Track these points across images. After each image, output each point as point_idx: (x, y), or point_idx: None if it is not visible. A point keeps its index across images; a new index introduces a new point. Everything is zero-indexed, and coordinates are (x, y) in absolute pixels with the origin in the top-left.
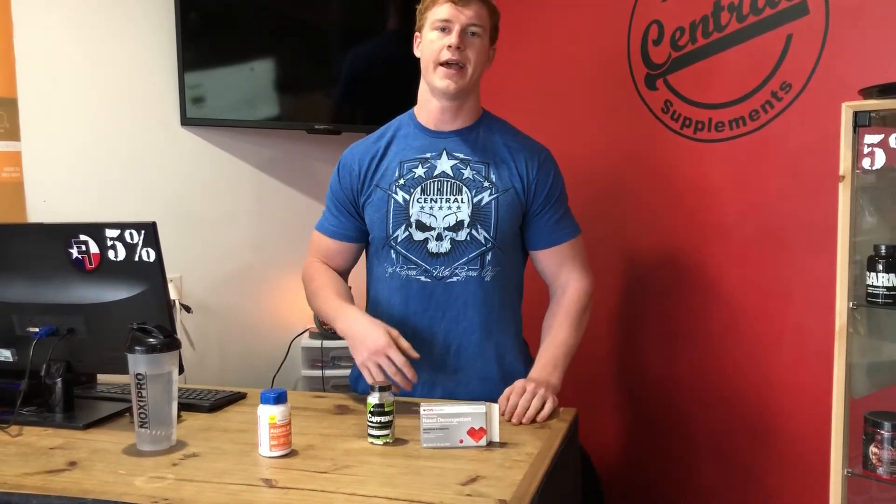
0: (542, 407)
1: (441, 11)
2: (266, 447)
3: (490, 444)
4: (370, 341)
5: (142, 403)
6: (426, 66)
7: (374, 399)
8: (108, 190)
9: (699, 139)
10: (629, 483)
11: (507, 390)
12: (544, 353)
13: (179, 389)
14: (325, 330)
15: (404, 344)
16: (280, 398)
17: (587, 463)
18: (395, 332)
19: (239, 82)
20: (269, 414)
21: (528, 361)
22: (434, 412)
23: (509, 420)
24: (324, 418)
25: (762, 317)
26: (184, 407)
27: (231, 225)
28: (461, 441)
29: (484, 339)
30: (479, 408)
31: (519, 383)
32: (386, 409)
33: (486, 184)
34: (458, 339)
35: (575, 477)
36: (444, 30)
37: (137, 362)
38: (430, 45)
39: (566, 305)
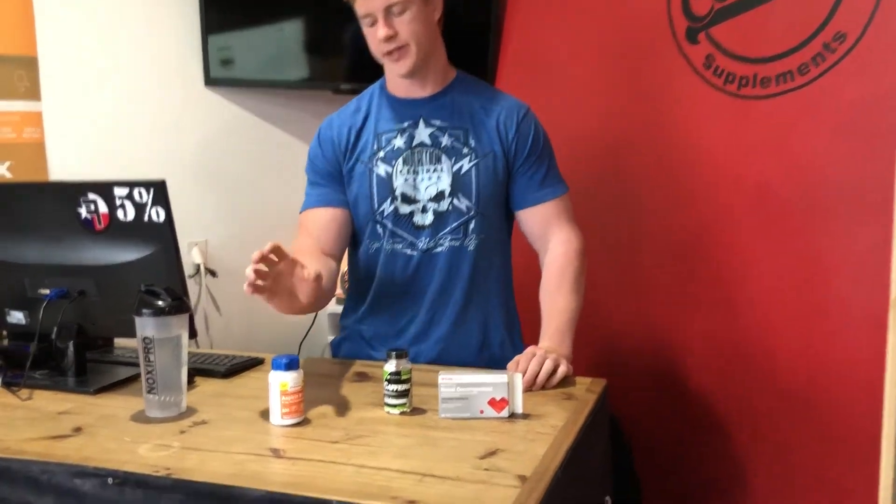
0: (555, 371)
1: (359, 6)
2: (277, 415)
3: (512, 416)
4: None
5: (149, 368)
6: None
7: (390, 367)
8: (131, 151)
9: (742, 96)
10: (661, 455)
11: (515, 357)
12: (548, 324)
13: (195, 354)
14: None
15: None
16: (292, 364)
17: (617, 433)
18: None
19: (266, 43)
20: (280, 381)
21: (514, 329)
22: (453, 381)
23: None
24: (342, 385)
25: (806, 286)
26: (198, 372)
27: (257, 187)
28: (482, 412)
29: (465, 307)
30: (500, 377)
31: (528, 350)
32: (403, 378)
33: (465, 150)
34: (441, 309)
35: (605, 452)
36: (372, 23)
37: (145, 325)
38: (368, 39)
39: (560, 270)
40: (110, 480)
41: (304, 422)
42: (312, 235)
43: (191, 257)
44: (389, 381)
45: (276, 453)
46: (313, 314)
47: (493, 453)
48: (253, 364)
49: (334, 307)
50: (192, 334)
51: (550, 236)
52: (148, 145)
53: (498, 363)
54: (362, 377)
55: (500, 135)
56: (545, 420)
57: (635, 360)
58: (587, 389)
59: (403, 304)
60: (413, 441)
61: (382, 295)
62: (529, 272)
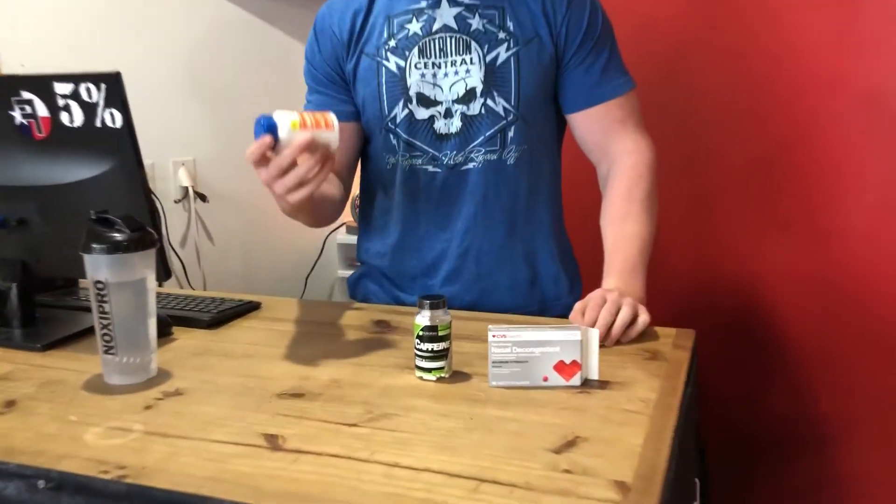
0: (634, 320)
1: None
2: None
3: (586, 384)
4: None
5: (105, 322)
6: None
7: (423, 319)
8: (103, 55)
9: None
10: (727, 412)
11: (578, 304)
12: (615, 257)
13: (173, 298)
14: None
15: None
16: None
17: None
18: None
19: None
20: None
21: (568, 261)
22: (508, 339)
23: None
24: (358, 340)
25: None
26: (177, 321)
27: (255, 100)
28: (545, 379)
29: (509, 236)
30: (571, 333)
31: (595, 293)
32: (440, 334)
33: (502, 34)
34: (477, 239)
35: (698, 425)
36: None
37: (96, 266)
38: None
39: (627, 189)
40: (41, 484)
41: (306, 394)
42: None
43: (177, 179)
44: (422, 339)
45: (273, 442)
46: (320, 244)
47: (571, 443)
48: (247, 309)
49: (344, 236)
50: (164, 275)
51: (613, 146)
52: (124, 47)
53: (552, 305)
54: (384, 327)
55: (546, 15)
56: (631, 390)
57: (700, 299)
58: (674, 345)
59: (430, 236)
60: (458, 423)
61: (403, 224)
62: (581, 190)
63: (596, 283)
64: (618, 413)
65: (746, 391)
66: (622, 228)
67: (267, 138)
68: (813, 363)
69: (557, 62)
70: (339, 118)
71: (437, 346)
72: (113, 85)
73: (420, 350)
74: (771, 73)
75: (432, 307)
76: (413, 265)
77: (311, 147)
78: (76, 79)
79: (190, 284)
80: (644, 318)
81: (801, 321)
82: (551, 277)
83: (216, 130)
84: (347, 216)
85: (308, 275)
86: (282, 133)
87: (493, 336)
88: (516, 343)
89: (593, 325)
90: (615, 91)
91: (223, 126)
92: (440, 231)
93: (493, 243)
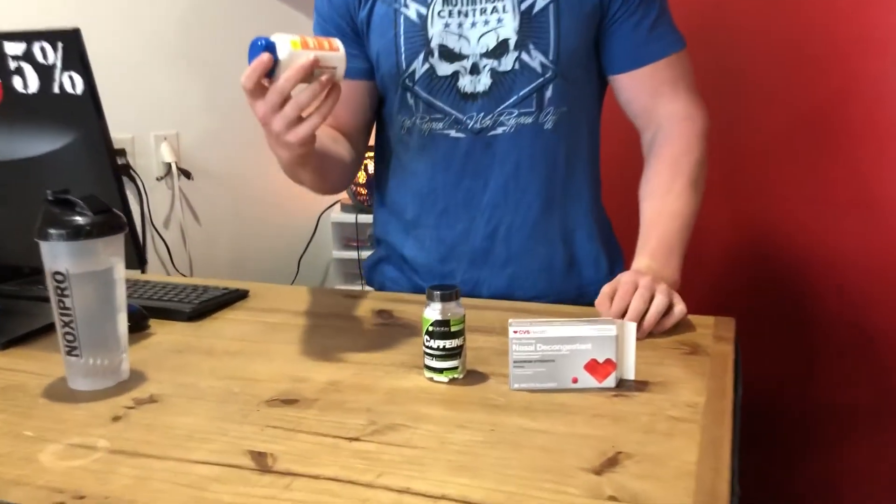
0: (669, 309)
1: None
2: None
3: (621, 385)
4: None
5: (66, 319)
6: None
7: (433, 313)
8: (76, 18)
9: None
10: (767, 406)
11: (606, 288)
12: (651, 232)
13: (152, 286)
14: (360, 200)
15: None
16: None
17: None
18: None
19: None
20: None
21: (609, 240)
22: (531, 335)
23: None
24: (359, 334)
25: None
26: (154, 313)
27: (241, 68)
28: (574, 380)
29: (544, 213)
30: (604, 327)
31: (625, 277)
32: (453, 329)
33: None
34: (508, 216)
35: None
36: None
37: (55, 254)
38: None
39: (674, 159)
40: None
41: (299, 401)
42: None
43: (159, 154)
44: (433, 335)
45: (261, 462)
46: (313, 223)
47: (612, 461)
48: (233, 299)
49: (339, 214)
50: (139, 262)
51: (662, 110)
52: (97, 9)
53: (590, 290)
54: (388, 319)
55: None
56: (674, 393)
57: (744, 278)
58: (715, 336)
59: (452, 213)
60: (477, 436)
61: (421, 199)
62: (620, 159)
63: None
64: (663, 421)
65: (783, 378)
66: (663, 203)
67: (265, 56)
68: (860, 350)
69: (601, 15)
70: (350, 76)
71: (449, 344)
72: (71, 43)
73: (430, 348)
74: (813, 31)
75: (443, 299)
76: (432, 248)
77: (315, 72)
78: (29, 37)
79: (176, 268)
80: (680, 307)
81: (855, 299)
82: (591, 259)
83: (202, 102)
84: (342, 193)
85: (301, 256)
86: (281, 54)
87: (515, 332)
88: (541, 339)
89: (624, 314)
90: (666, 49)
91: (210, 97)
92: (464, 207)
93: (525, 221)
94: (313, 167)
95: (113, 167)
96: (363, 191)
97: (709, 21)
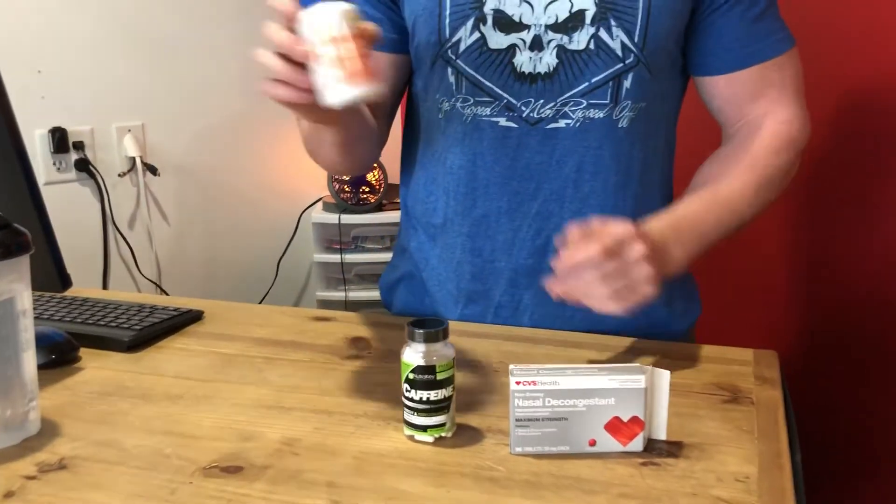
0: (639, 286)
1: None
2: (332, 84)
3: (649, 447)
4: None
5: None
6: None
7: (414, 356)
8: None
9: None
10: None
11: (576, 232)
12: (690, 204)
13: (89, 305)
14: (344, 199)
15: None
16: None
17: None
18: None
19: None
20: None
21: (686, 274)
22: (538, 386)
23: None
24: (327, 370)
25: None
26: (87, 342)
27: (214, 58)
28: (592, 443)
29: None
30: (632, 377)
31: (616, 231)
32: (439, 377)
33: None
34: (563, 228)
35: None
36: None
37: None
38: None
39: (753, 153)
40: None
41: (251, 436)
42: None
43: (121, 148)
44: (413, 384)
45: None
46: (293, 223)
47: None
48: (184, 322)
49: (321, 214)
50: (61, 283)
51: (758, 111)
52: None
53: (657, 331)
54: (363, 350)
55: None
56: (717, 460)
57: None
58: (757, 377)
59: (494, 219)
60: None
61: (457, 198)
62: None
63: (716, 305)
64: (708, 498)
65: (830, 407)
66: (717, 187)
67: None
68: None
69: (695, 2)
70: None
71: (434, 395)
72: None
73: (411, 400)
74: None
75: (427, 339)
76: (463, 258)
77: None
78: None
79: (141, 272)
80: (647, 290)
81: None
82: (665, 292)
83: (169, 90)
84: (324, 190)
85: (280, 258)
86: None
87: (517, 383)
88: (551, 393)
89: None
90: (778, 47)
91: (178, 85)
92: (507, 214)
93: None
94: (341, 126)
95: (25, 170)
96: (348, 188)
97: None
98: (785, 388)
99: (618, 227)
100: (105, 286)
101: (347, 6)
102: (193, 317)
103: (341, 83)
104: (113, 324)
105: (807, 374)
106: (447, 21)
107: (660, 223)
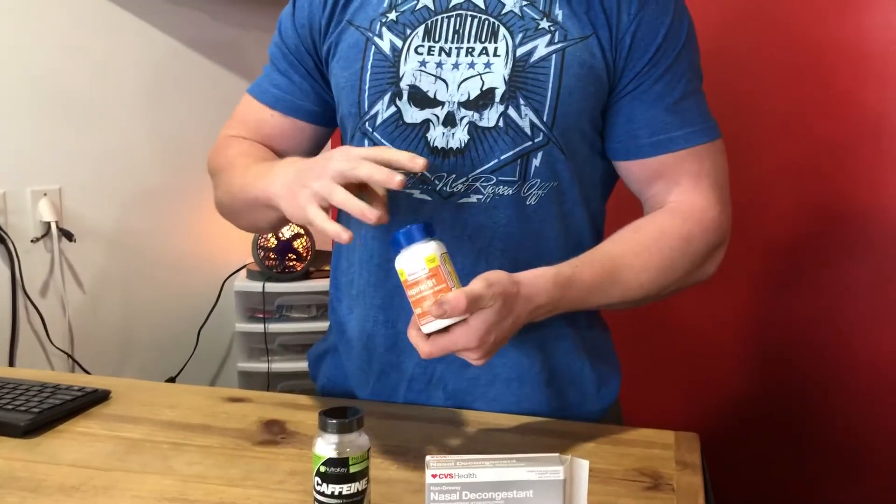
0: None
1: None
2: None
3: None
4: (314, 170)
5: None
6: None
7: (326, 448)
8: None
9: None
10: None
11: (472, 292)
12: (574, 273)
13: None
14: (269, 266)
15: (372, 154)
16: (417, 233)
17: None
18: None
19: None
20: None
21: (602, 356)
22: (455, 480)
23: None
24: (235, 458)
25: None
26: None
27: (133, 117)
28: None
29: None
30: (550, 468)
31: (504, 303)
32: (353, 470)
33: (545, 23)
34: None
35: None
36: None
37: None
38: None
39: (661, 230)
40: None
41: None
42: (252, 134)
43: (36, 213)
44: (325, 478)
45: None
46: (215, 291)
47: None
48: (88, 403)
49: (244, 282)
50: None
51: (674, 197)
52: None
53: (573, 410)
54: (278, 434)
55: (606, 11)
56: None
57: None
58: (678, 462)
59: (403, 293)
60: None
61: (369, 273)
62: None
63: (636, 381)
64: None
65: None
66: (621, 262)
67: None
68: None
69: (611, 83)
70: (292, 114)
71: (347, 489)
72: None
73: (322, 494)
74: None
75: (341, 430)
76: (377, 330)
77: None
78: None
79: (52, 342)
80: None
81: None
82: (574, 375)
83: (88, 153)
84: (248, 257)
85: (201, 328)
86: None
87: (434, 475)
88: (468, 486)
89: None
90: (689, 140)
91: (97, 148)
92: None
93: None
94: (281, 218)
95: None
96: (273, 255)
97: (714, 45)
98: (705, 472)
99: (487, 317)
100: (12, 358)
101: (438, 249)
102: (99, 397)
103: (436, 318)
104: (9, 406)
105: (730, 447)
106: (366, 94)
107: (543, 296)
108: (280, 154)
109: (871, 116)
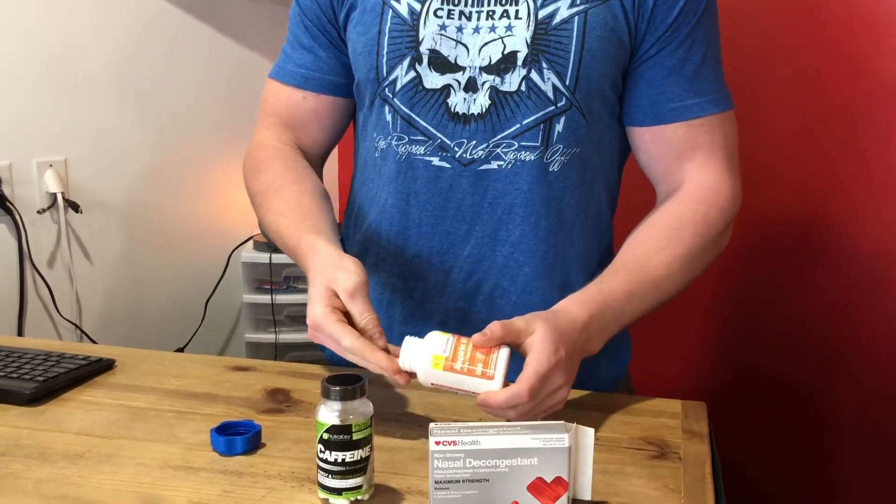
0: (555, 407)
1: None
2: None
3: None
4: (309, 308)
5: None
6: None
7: (329, 415)
8: None
9: None
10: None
11: (528, 378)
12: (614, 281)
13: None
14: None
15: (358, 309)
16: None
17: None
18: (350, 286)
19: None
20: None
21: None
22: (459, 447)
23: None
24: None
25: None
26: None
27: (140, 89)
28: None
29: (541, 276)
30: (555, 436)
31: (545, 358)
32: (355, 437)
33: None
34: (494, 272)
35: None
36: None
37: None
38: None
39: (680, 221)
40: None
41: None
42: (283, 124)
43: (42, 184)
44: (328, 445)
45: None
46: (223, 263)
47: None
48: (93, 371)
49: (251, 253)
50: None
51: (686, 175)
52: None
53: (585, 380)
54: (282, 403)
55: None
56: None
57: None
58: (685, 430)
59: (423, 262)
60: None
61: (386, 241)
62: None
63: (648, 355)
64: None
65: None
66: (641, 258)
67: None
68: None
69: (632, 47)
70: (319, 90)
71: (350, 456)
72: None
73: (325, 461)
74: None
75: (343, 397)
76: (394, 300)
77: None
78: None
79: (60, 313)
80: (562, 395)
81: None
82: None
83: (93, 124)
84: (255, 229)
85: (208, 299)
86: (419, 367)
87: (437, 443)
88: (472, 453)
89: (518, 412)
90: (705, 108)
91: (102, 119)
92: (439, 256)
93: (513, 283)
94: None
95: None
96: None
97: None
98: (713, 441)
99: (539, 358)
100: (20, 329)
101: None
102: (104, 366)
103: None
104: (14, 374)
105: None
106: (384, 59)
107: (583, 312)
108: (310, 140)
109: (888, 83)
